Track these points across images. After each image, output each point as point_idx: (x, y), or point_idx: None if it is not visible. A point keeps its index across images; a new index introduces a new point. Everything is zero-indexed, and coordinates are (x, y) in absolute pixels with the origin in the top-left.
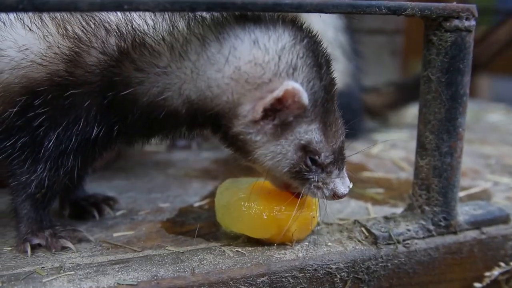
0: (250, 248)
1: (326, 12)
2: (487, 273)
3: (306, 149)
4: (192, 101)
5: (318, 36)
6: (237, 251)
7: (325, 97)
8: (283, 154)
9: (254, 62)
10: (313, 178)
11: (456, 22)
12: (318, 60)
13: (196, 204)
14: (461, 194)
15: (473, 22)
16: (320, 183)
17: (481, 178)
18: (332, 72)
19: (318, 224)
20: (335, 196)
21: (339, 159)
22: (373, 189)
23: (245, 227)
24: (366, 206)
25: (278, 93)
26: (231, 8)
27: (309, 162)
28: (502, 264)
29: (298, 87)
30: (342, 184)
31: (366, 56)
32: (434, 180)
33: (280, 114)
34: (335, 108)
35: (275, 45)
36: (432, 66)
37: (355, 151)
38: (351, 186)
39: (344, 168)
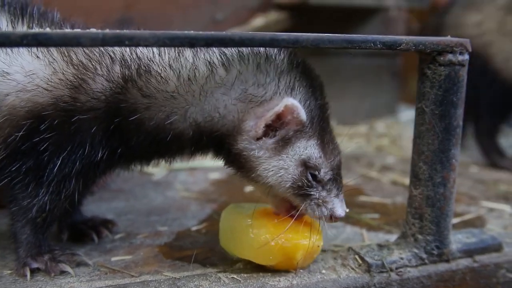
0: (245, 275)
1: (322, 47)
2: None
3: (306, 165)
4: (199, 123)
5: (311, 64)
6: (232, 277)
7: (321, 115)
8: (285, 169)
9: (257, 84)
10: (314, 194)
11: (450, 56)
12: (313, 83)
13: (194, 228)
14: (455, 220)
15: (466, 57)
16: (320, 201)
17: (476, 204)
18: (325, 96)
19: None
20: (333, 217)
21: (337, 178)
22: (369, 214)
23: (251, 253)
24: (361, 232)
25: (278, 108)
26: (229, 44)
27: (310, 178)
28: None
29: (296, 103)
30: (340, 206)
31: (365, 78)
32: (427, 210)
33: (280, 130)
34: (330, 128)
35: (274, 70)
36: (426, 98)
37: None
38: (347, 211)
39: (342, 191)
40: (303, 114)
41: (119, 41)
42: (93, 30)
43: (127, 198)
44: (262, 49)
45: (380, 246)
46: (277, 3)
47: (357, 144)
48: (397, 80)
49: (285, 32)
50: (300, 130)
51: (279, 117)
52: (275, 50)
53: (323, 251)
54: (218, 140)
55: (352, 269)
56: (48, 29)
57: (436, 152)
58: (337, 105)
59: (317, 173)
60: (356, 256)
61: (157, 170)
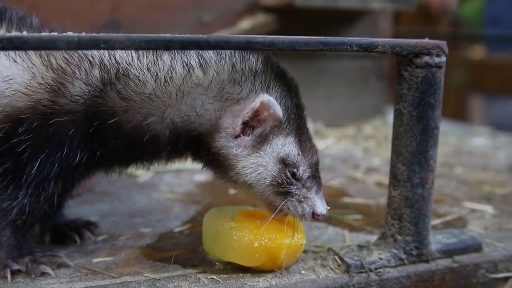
0: (225, 276)
1: (298, 50)
2: None
3: (285, 162)
4: (176, 124)
5: (285, 67)
6: (212, 278)
7: (298, 114)
8: (264, 166)
9: (233, 82)
10: (294, 191)
11: (426, 58)
12: (288, 83)
13: (177, 230)
14: (437, 221)
15: (443, 58)
16: (301, 197)
17: (459, 205)
18: (300, 96)
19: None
20: (314, 214)
21: (316, 175)
22: (351, 216)
23: (236, 255)
24: (343, 233)
25: (254, 104)
26: (205, 46)
27: (289, 174)
28: None
29: (272, 100)
30: (321, 204)
31: (353, 80)
32: (406, 210)
33: (257, 127)
34: (307, 128)
35: (250, 69)
36: (403, 100)
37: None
38: (328, 208)
39: (322, 190)
40: (279, 111)
41: (95, 44)
42: (69, 33)
43: (112, 200)
44: (237, 51)
45: (360, 247)
46: (264, 5)
47: (344, 146)
48: (384, 82)
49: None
50: (277, 127)
51: (255, 113)
52: (250, 53)
53: (304, 252)
54: (196, 141)
55: (332, 269)
56: (24, 33)
57: (414, 153)
58: (324, 107)
59: (295, 170)
60: (336, 257)
61: (143, 172)
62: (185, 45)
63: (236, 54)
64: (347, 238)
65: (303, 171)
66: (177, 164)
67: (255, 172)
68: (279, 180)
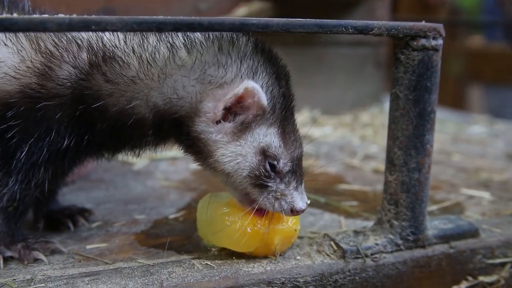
0: (219, 261)
1: (292, 32)
2: (454, 287)
3: (265, 154)
4: (158, 107)
5: (278, 53)
6: (206, 264)
7: (285, 104)
8: (243, 156)
9: (217, 65)
10: (272, 186)
11: (423, 41)
12: (278, 70)
13: (172, 216)
14: (434, 207)
15: (440, 41)
16: (278, 194)
17: (456, 191)
18: (290, 86)
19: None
20: (293, 211)
21: (297, 170)
22: (348, 202)
23: (229, 241)
24: (339, 220)
25: (238, 90)
26: (198, 28)
27: (268, 167)
28: (469, 278)
29: (257, 87)
30: (301, 199)
31: (350, 68)
32: (402, 195)
33: (240, 114)
34: (294, 119)
35: (237, 52)
36: (400, 83)
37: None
38: (308, 202)
39: (303, 184)
40: (264, 99)
41: (86, 26)
42: (60, 15)
43: (107, 188)
44: (227, 34)
45: (356, 232)
46: None
47: (341, 134)
48: (382, 70)
49: None
50: (260, 116)
51: (238, 100)
52: (241, 35)
53: (300, 237)
54: (177, 124)
55: (327, 255)
56: (15, 15)
57: (410, 138)
58: (322, 95)
59: (276, 163)
60: (332, 242)
61: (138, 159)
62: (178, 27)
63: (225, 35)
64: (343, 224)
65: (283, 164)
66: (172, 152)
67: (233, 161)
68: (257, 172)
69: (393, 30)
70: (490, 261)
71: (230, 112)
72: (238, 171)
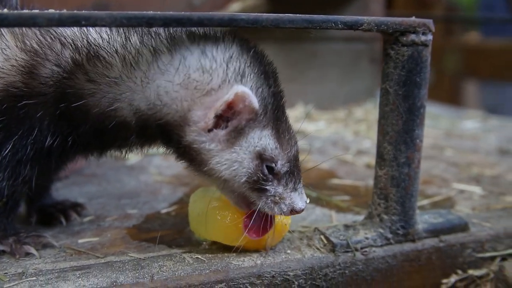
0: (210, 255)
1: (282, 27)
2: (444, 280)
3: (262, 157)
4: (141, 111)
5: (263, 51)
6: (197, 257)
7: (275, 103)
8: (239, 162)
9: (202, 70)
10: (270, 189)
11: (412, 36)
12: (265, 69)
13: (164, 211)
14: (425, 202)
15: (429, 37)
16: (277, 198)
17: (448, 186)
18: (279, 83)
19: (289, 231)
20: (293, 211)
21: (295, 170)
22: (339, 197)
23: (220, 235)
24: (330, 214)
25: (228, 97)
26: (187, 23)
27: (265, 171)
28: (459, 271)
29: (247, 91)
30: (300, 199)
31: (344, 63)
32: (392, 190)
33: (232, 120)
34: (286, 117)
35: (222, 54)
36: (390, 79)
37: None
38: (308, 202)
39: (301, 182)
40: (255, 102)
41: (76, 21)
42: (50, 10)
43: (100, 183)
44: (212, 33)
45: (346, 227)
46: None
47: (334, 129)
48: (376, 65)
49: None
50: (253, 120)
51: (229, 106)
52: (225, 35)
53: (290, 232)
54: (164, 131)
55: (317, 249)
56: (5, 10)
57: (400, 133)
58: (316, 90)
59: (274, 165)
60: (322, 236)
61: (132, 154)
62: (167, 22)
63: (208, 38)
64: (334, 218)
65: (281, 165)
66: None
67: (230, 169)
68: (255, 177)
69: (382, 26)
70: (480, 255)
71: (221, 119)
72: (235, 178)
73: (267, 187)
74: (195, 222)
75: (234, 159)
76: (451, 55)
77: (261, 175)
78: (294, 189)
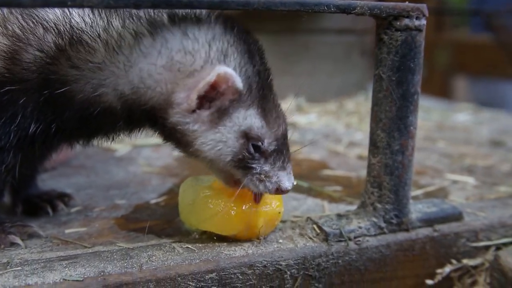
0: (200, 245)
1: (273, 10)
2: (439, 270)
3: (248, 136)
4: (126, 96)
5: (248, 28)
6: (187, 247)
7: (260, 82)
8: (224, 142)
9: (184, 51)
10: (256, 167)
11: (406, 21)
12: (250, 48)
13: (153, 201)
14: (419, 192)
15: (423, 21)
16: (263, 176)
17: (441, 176)
18: (265, 61)
19: (281, 221)
20: (279, 190)
21: (282, 148)
22: (331, 187)
23: (212, 224)
24: (322, 204)
25: (210, 78)
26: (177, 5)
27: (251, 150)
28: (453, 261)
29: (230, 71)
30: (287, 179)
31: (335, 55)
32: (386, 178)
33: (215, 100)
34: (273, 95)
35: (204, 35)
36: (383, 64)
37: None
38: (295, 183)
39: (290, 162)
40: (238, 82)
41: (62, 2)
42: None
43: (88, 174)
44: (194, 13)
45: (339, 216)
46: None
47: (326, 122)
48: (367, 58)
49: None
50: (237, 100)
51: (212, 87)
52: (208, 14)
53: (282, 221)
54: (150, 114)
55: (310, 238)
56: None
57: (393, 119)
58: (307, 82)
59: (260, 143)
60: (314, 226)
61: (120, 146)
62: (156, 4)
63: (189, 19)
64: (327, 208)
65: (268, 143)
66: (156, 139)
67: (214, 149)
68: (240, 156)
69: (375, 10)
70: (474, 244)
71: (204, 99)
72: (221, 157)
73: (253, 165)
74: (186, 212)
75: (219, 139)
76: (442, 50)
77: (247, 154)
78: (283, 168)
